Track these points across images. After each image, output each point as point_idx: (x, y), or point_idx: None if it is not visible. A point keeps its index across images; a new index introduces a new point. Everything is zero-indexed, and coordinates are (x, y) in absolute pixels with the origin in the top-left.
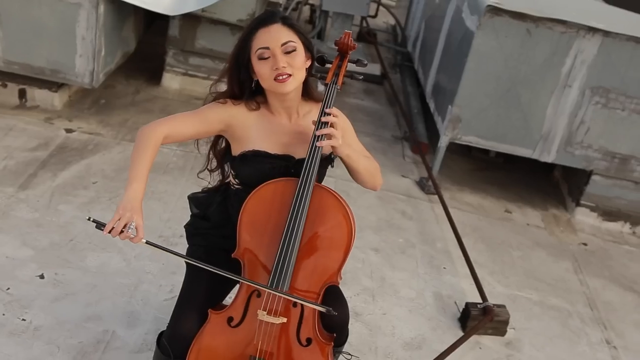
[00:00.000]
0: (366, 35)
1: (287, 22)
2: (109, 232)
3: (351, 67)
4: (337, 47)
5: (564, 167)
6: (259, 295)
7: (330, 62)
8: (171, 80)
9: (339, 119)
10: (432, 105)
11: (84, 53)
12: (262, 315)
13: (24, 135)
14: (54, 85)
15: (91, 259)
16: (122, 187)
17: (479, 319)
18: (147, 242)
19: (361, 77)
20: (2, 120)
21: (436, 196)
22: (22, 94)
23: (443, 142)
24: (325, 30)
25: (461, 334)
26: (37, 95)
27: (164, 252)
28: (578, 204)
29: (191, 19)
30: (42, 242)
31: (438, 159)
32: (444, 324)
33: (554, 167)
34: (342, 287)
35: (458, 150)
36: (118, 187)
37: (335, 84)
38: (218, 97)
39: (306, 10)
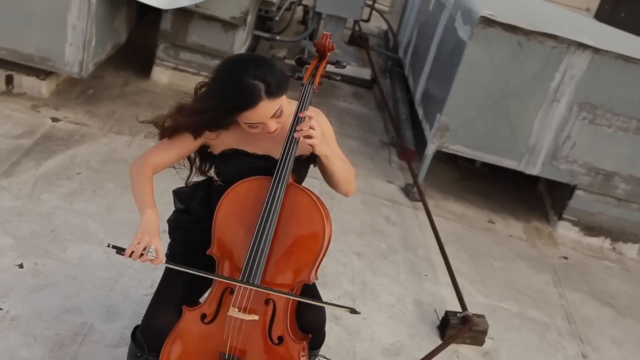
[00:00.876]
0: (358, 39)
1: (272, 94)
2: (129, 255)
3: (331, 68)
4: (315, 48)
5: (549, 180)
6: (232, 292)
7: (309, 64)
8: (161, 74)
9: (320, 119)
10: (420, 113)
11: (74, 42)
12: (233, 312)
13: (8, 122)
14: (42, 73)
15: (72, 250)
16: (107, 179)
17: (458, 327)
18: (167, 263)
19: (338, 77)
20: None
21: (420, 203)
22: (9, 80)
23: (430, 150)
24: (318, 31)
25: (440, 342)
26: (25, 82)
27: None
28: (560, 218)
29: (184, 14)
30: (22, 231)
31: (424, 166)
32: (422, 332)
33: (539, 180)
34: (323, 290)
35: (444, 159)
36: (102, 178)
37: (312, 84)
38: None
39: (299, 10)
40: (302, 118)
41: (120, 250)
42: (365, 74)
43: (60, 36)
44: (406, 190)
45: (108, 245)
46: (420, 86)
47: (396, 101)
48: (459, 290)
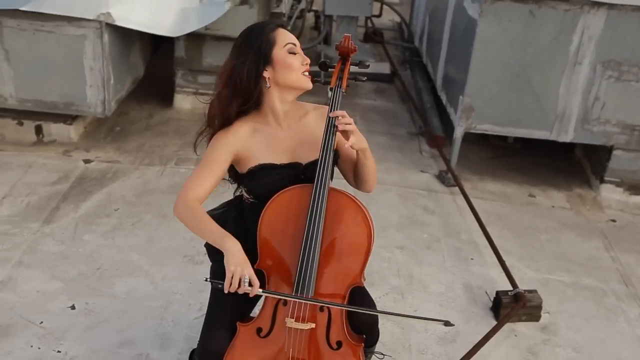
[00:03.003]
0: (372, 36)
1: (285, 27)
2: (229, 288)
3: (354, 69)
4: (338, 52)
5: (584, 145)
6: (285, 303)
7: (333, 67)
8: (183, 101)
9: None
10: (443, 98)
11: (94, 83)
12: (290, 323)
13: (43, 170)
14: (69, 118)
15: (119, 285)
16: (144, 211)
17: (511, 306)
18: (263, 291)
19: (365, 78)
20: (22, 157)
21: (457, 188)
22: (38, 130)
23: (458, 133)
24: (331, 34)
25: (494, 323)
26: (53, 129)
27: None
28: (602, 181)
29: (196, 39)
30: (70, 273)
31: (455, 150)
32: (476, 315)
33: (574, 147)
34: (370, 288)
35: (475, 140)
36: (140, 211)
37: (340, 87)
38: (212, 126)
39: (310, 17)
40: (334, 118)
41: (217, 284)
42: (385, 68)
43: (79, 79)
44: (441, 177)
45: (206, 280)
46: (440, 72)
47: (419, 90)
48: (507, 268)
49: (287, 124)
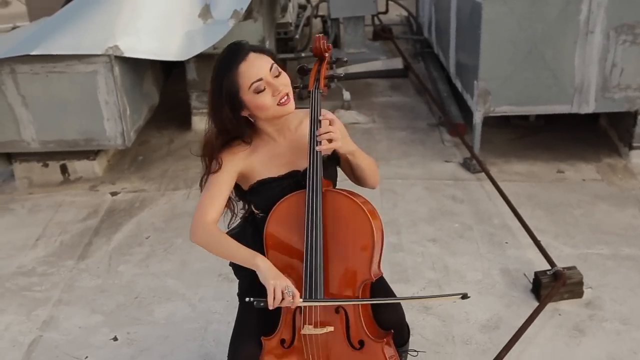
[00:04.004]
0: (381, 33)
1: (256, 49)
2: (273, 302)
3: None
4: (313, 53)
5: (608, 114)
6: (301, 311)
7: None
8: (200, 122)
9: (334, 121)
10: (458, 85)
11: (111, 116)
12: (308, 330)
13: (73, 208)
14: (91, 154)
15: (158, 311)
16: (174, 235)
17: (552, 285)
18: (304, 300)
19: (342, 75)
20: (51, 198)
21: (483, 173)
22: (63, 169)
23: (477, 118)
24: (340, 37)
25: (536, 305)
26: (78, 166)
27: (311, 302)
28: (631, 148)
29: (205, 59)
30: (109, 306)
31: (476, 136)
32: (517, 299)
33: (598, 117)
34: (407, 284)
35: (496, 123)
36: (170, 236)
37: (318, 88)
38: (211, 155)
39: (317, 23)
40: (317, 123)
41: (259, 302)
42: (397, 63)
43: (96, 115)
44: (466, 165)
45: (248, 300)
46: (452, 59)
47: (434, 81)
48: (543, 248)
49: (282, 137)
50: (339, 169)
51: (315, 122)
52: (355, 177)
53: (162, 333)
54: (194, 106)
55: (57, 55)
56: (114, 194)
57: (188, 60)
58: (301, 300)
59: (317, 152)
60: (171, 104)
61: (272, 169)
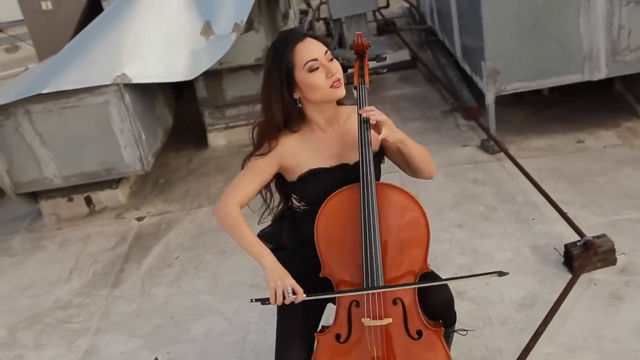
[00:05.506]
0: (385, 27)
1: (313, 36)
2: (275, 302)
3: (373, 64)
4: (353, 51)
5: (622, 77)
6: (357, 305)
7: (352, 67)
8: (216, 139)
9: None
10: (467, 68)
11: (127, 143)
12: (368, 322)
13: (101, 238)
14: (113, 183)
15: (195, 328)
16: (203, 252)
17: (583, 256)
18: (308, 296)
19: (385, 70)
20: (79, 230)
21: (502, 153)
22: (88, 201)
23: (489, 99)
24: (344, 37)
25: (570, 277)
26: (102, 197)
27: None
28: None
29: (213, 76)
30: (146, 329)
31: (491, 117)
32: (550, 274)
33: (613, 81)
34: (438, 272)
35: (509, 101)
36: (199, 254)
37: (363, 84)
38: (260, 141)
39: (320, 25)
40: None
41: (264, 301)
42: (404, 55)
43: (112, 143)
44: (484, 147)
45: (251, 300)
46: (457, 44)
47: (443, 68)
48: (570, 220)
49: (331, 129)
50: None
51: (360, 113)
52: (410, 167)
53: (201, 349)
54: (208, 123)
55: (68, 90)
56: (139, 219)
57: (196, 79)
58: (304, 296)
59: (366, 140)
60: (186, 124)
61: (321, 159)
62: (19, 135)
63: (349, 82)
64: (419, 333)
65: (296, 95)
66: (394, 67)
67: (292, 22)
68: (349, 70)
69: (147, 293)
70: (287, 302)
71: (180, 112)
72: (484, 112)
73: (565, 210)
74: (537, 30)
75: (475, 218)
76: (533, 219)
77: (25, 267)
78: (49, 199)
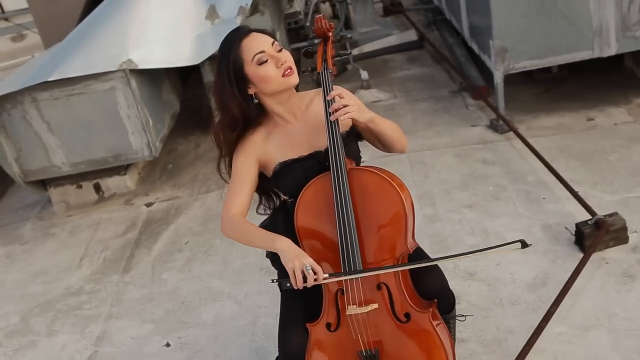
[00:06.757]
0: (391, 8)
1: (259, 30)
2: (296, 284)
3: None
4: (315, 35)
5: (632, 53)
6: (343, 292)
7: (316, 53)
8: None
9: (345, 94)
10: (475, 47)
11: (135, 129)
12: (352, 309)
13: (111, 224)
14: (121, 169)
15: (206, 313)
16: (212, 237)
17: (594, 234)
18: (330, 275)
19: (349, 52)
20: (89, 217)
21: (511, 133)
22: (97, 188)
23: (498, 78)
24: (351, 18)
25: (582, 256)
26: (110, 183)
27: (332, 278)
28: None
29: None
30: (158, 314)
31: (499, 96)
32: (561, 253)
33: (623, 58)
34: (448, 253)
35: (518, 80)
36: (208, 239)
37: (327, 69)
38: (226, 145)
39: (327, 8)
40: (331, 100)
41: (285, 283)
42: (411, 35)
43: (120, 130)
44: (493, 126)
45: (272, 281)
46: (464, 23)
47: (450, 47)
48: (581, 198)
49: (295, 118)
50: (367, 146)
51: (328, 103)
52: (382, 144)
53: (213, 333)
54: (215, 108)
55: (74, 77)
56: (149, 205)
57: (202, 64)
58: (326, 275)
59: (336, 130)
60: (193, 109)
61: (290, 150)
62: (27, 124)
63: (313, 69)
64: (407, 316)
65: (251, 91)
66: (402, 48)
67: (298, 5)
68: (315, 56)
69: (157, 278)
70: (309, 283)
71: (186, 97)
72: (492, 92)
73: (576, 189)
74: (545, 7)
75: (485, 198)
76: (543, 198)
77: (36, 255)
78: (58, 186)
